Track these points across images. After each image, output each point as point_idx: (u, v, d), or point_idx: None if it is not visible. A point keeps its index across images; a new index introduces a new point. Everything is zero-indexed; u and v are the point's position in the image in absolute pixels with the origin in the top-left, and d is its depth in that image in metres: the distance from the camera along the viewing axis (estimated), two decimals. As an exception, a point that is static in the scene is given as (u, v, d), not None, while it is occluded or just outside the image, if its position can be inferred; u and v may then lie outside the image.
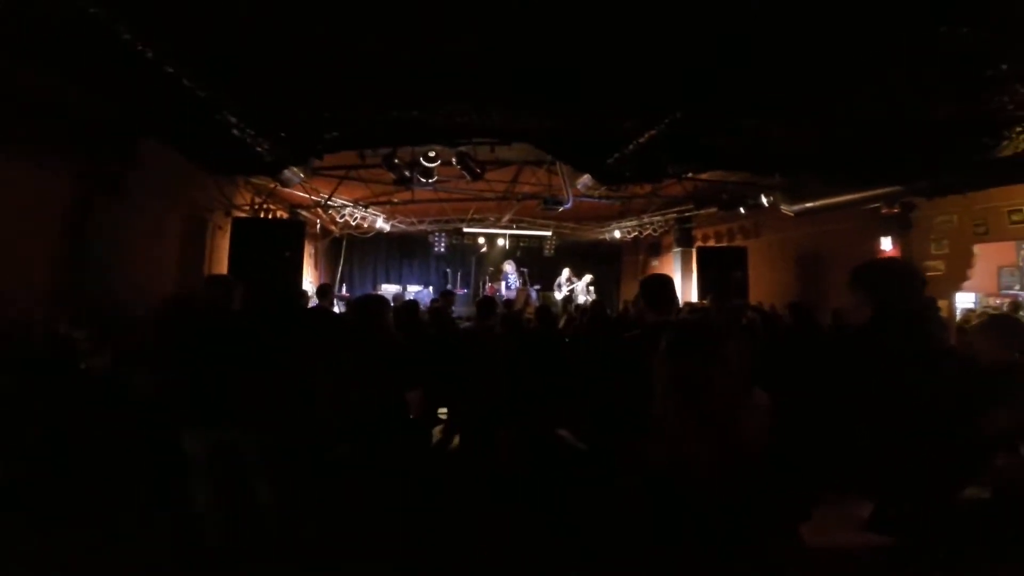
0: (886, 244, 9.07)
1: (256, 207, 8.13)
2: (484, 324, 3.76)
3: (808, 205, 7.73)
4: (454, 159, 5.13)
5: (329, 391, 2.70)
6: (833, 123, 5.18)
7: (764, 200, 7.41)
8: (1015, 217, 7.27)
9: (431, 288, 11.35)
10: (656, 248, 14.23)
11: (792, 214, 8.08)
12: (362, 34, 2.98)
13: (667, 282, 2.35)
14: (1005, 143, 5.01)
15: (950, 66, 3.73)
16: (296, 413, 2.82)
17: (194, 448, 2.59)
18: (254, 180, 7.86)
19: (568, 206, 7.86)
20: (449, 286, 11.66)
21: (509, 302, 8.52)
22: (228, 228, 7.19)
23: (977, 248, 7.81)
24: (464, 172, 5.37)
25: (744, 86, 3.76)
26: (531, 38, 3.23)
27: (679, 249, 12.99)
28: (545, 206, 7.89)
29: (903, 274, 1.75)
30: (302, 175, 5.30)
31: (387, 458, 2.63)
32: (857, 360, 1.60)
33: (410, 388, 2.74)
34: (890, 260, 2.13)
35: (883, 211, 7.83)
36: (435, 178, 5.26)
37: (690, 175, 6.29)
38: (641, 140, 4.37)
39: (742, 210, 8.15)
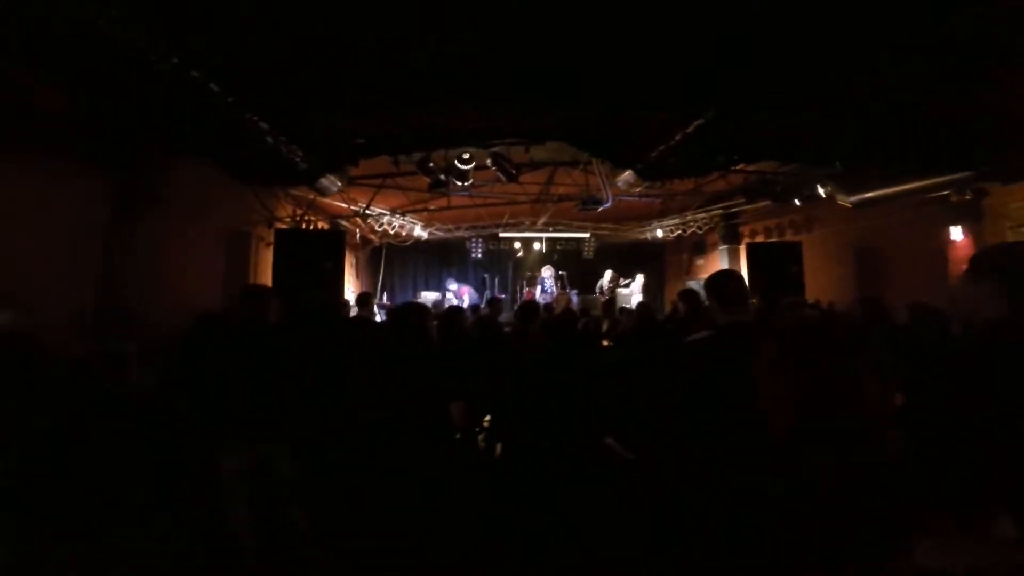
0: (956, 234, 8.38)
1: (297, 219, 8.29)
2: (525, 329, 3.60)
3: (868, 195, 7.19)
4: (488, 161, 5.02)
5: (369, 403, 2.60)
6: (895, 106, 4.80)
7: (821, 191, 6.94)
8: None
9: (469, 289, 11.27)
10: (701, 247, 13.72)
11: (850, 205, 7.54)
12: (387, 35, 2.91)
13: (738, 278, 2.14)
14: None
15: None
16: (333, 427, 2.75)
17: (227, 465, 2.54)
18: (293, 192, 8.02)
19: (607, 205, 7.63)
20: (488, 292, 11.59)
21: (548, 307, 8.33)
22: (270, 241, 7.34)
23: (1062, 235, 7.08)
24: (499, 174, 5.26)
25: (792, 69, 3.49)
26: (562, 30, 3.08)
27: (725, 247, 12.47)
28: (583, 207, 7.68)
29: None
30: (339, 184, 5.32)
31: (428, 471, 2.51)
32: (1004, 360, 1.35)
33: (453, 399, 2.60)
34: (1020, 244, 1.88)
35: (953, 199, 7.20)
36: (471, 181, 5.17)
37: (738, 167, 5.95)
38: (688, 131, 4.12)
39: (796, 202, 7.69)
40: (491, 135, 4.69)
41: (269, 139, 3.83)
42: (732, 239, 12.35)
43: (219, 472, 2.55)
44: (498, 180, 7.46)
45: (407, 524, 2.49)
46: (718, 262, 13.02)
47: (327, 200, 8.34)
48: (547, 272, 11.08)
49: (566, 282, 11.35)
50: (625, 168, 5.40)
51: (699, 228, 11.55)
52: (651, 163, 4.81)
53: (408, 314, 2.73)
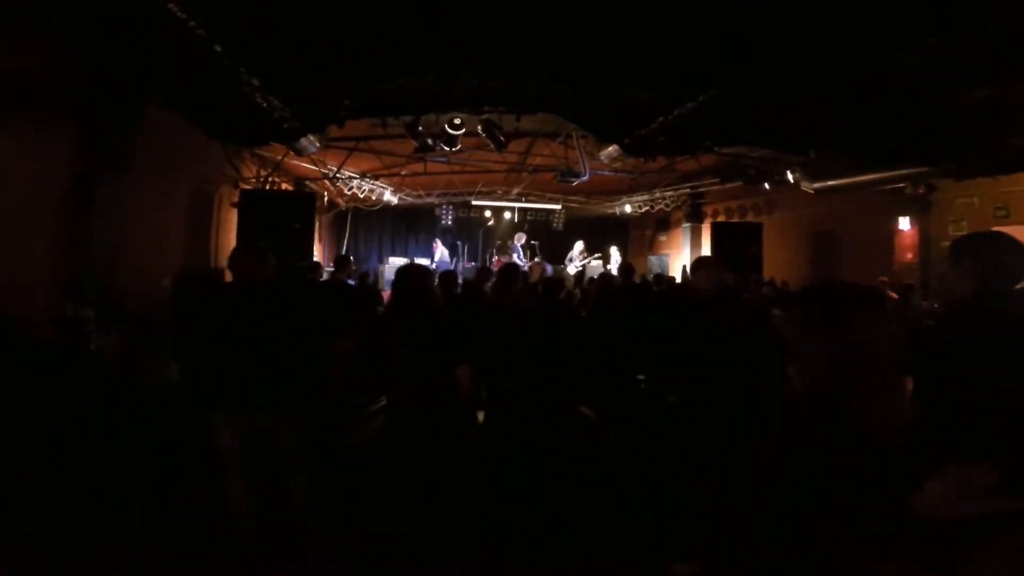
0: (904, 224, 8.98)
1: (262, 180, 7.86)
2: (506, 294, 3.56)
3: (831, 183, 7.54)
4: (480, 127, 4.90)
5: (375, 369, 2.57)
6: (867, 100, 5.01)
7: (790, 176, 7.22)
8: (1039, 200, 7.15)
9: (445, 254, 11.12)
10: (664, 223, 14.06)
11: (812, 191, 7.90)
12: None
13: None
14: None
15: (984, 48, 3.60)
16: (337, 395, 2.69)
17: (225, 438, 2.40)
18: (261, 152, 7.57)
19: (584, 178, 7.65)
20: (458, 260, 11.49)
21: (524, 275, 8.36)
22: (235, 201, 6.94)
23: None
24: (489, 141, 5.15)
25: (783, 60, 3.58)
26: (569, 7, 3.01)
27: (688, 224, 12.84)
28: (561, 179, 7.68)
29: (1012, 248, 1.66)
30: (317, 144, 5.06)
31: (441, 442, 2.50)
32: (970, 330, 1.59)
33: (458, 364, 2.58)
34: (998, 233, 2.13)
35: (908, 192, 7.68)
36: (459, 147, 5.04)
37: (715, 149, 6.08)
38: (682, 112, 4.16)
39: (766, 185, 7.96)
40: (486, 102, 4.56)
41: (256, 95, 3.57)
42: (695, 217, 12.72)
43: (214, 445, 2.45)
44: (478, 148, 7.33)
45: (418, 500, 2.51)
46: (681, 239, 13.42)
47: (295, 161, 7.94)
48: (520, 240, 11.06)
49: (537, 251, 11.37)
50: (610, 143, 5.40)
51: (666, 205, 11.80)
52: (638, 139, 4.84)
53: (414, 275, 2.65)
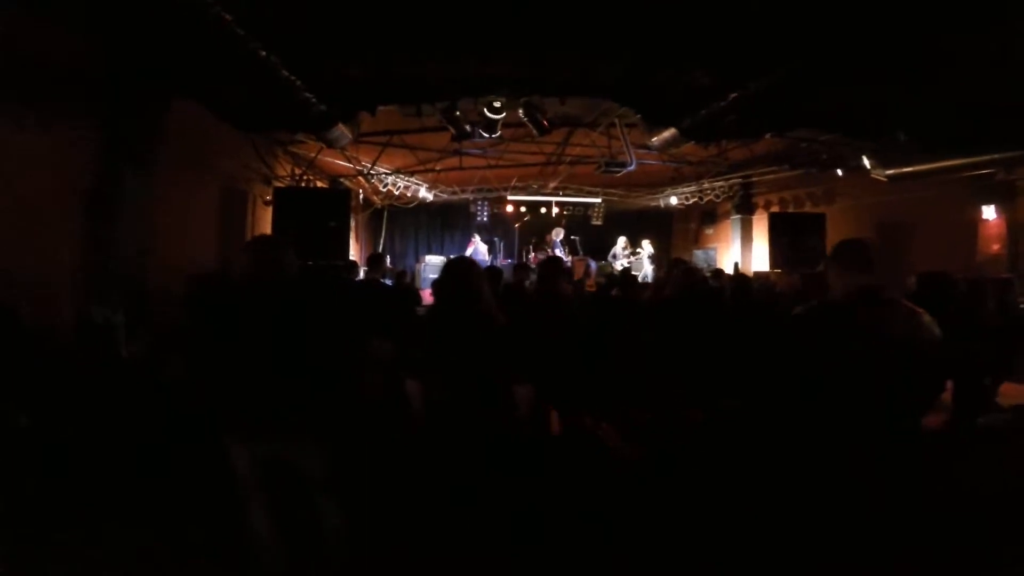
0: (989, 213, 8.08)
1: (296, 178, 7.74)
2: (551, 289, 3.13)
3: (908, 170, 6.80)
4: (521, 111, 4.53)
5: (419, 387, 2.20)
6: (950, 82, 4.40)
7: (866, 162, 6.54)
8: None
9: (482, 250, 10.82)
10: (711, 216, 13.32)
11: (885, 179, 7.16)
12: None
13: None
14: None
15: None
16: (370, 417, 2.37)
17: (241, 466, 2.06)
18: (294, 149, 7.44)
19: (631, 168, 7.17)
20: (496, 256, 11.18)
21: (568, 271, 7.95)
22: (268, 199, 6.81)
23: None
24: (531, 125, 4.77)
25: (855, 34, 3.05)
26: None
27: (738, 216, 12.09)
28: (605, 169, 7.23)
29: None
30: (349, 135, 4.79)
31: (486, 475, 2.14)
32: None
33: (519, 382, 2.19)
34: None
35: (999, 177, 6.87)
36: (498, 133, 4.69)
37: (783, 132, 5.52)
38: (746, 92, 3.67)
39: (839, 172, 7.29)
40: (528, 84, 4.19)
41: (283, 78, 3.29)
42: (746, 209, 11.96)
43: (233, 467, 2.14)
44: (514, 140, 6.95)
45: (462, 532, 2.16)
46: (729, 232, 12.67)
47: (329, 159, 7.79)
48: (558, 236, 10.61)
49: (578, 247, 10.89)
50: (666, 126, 4.92)
51: (716, 196, 11.12)
52: (700, 121, 4.34)
53: (461, 271, 2.26)
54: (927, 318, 1.71)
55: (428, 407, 2.21)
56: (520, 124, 5.48)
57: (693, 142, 5.05)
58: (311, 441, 2.10)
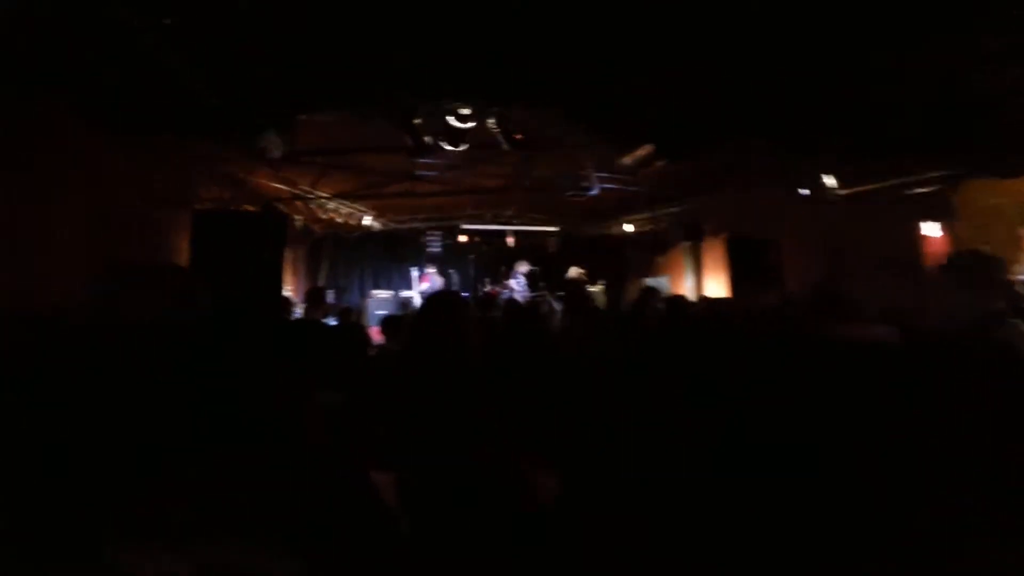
0: (930, 229, 8.39)
1: (224, 203, 6.78)
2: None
3: (860, 189, 6.91)
4: (492, 120, 4.01)
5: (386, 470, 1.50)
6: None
7: (829, 181, 6.54)
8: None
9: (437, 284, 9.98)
10: (662, 244, 13.33)
11: (840, 198, 7.25)
12: None
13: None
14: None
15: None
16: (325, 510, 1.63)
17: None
18: (222, 169, 6.53)
19: (595, 192, 6.84)
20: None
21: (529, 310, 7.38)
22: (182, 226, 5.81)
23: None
24: (502, 139, 4.26)
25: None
26: None
27: (688, 243, 12.11)
28: (573, 194, 6.85)
29: None
30: (281, 147, 4.04)
31: None
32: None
33: (537, 463, 1.51)
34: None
35: (948, 193, 7.12)
36: (465, 146, 4.14)
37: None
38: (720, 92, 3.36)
39: (806, 192, 7.29)
40: (493, 92, 3.70)
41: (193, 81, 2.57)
42: (694, 235, 12.01)
43: None
44: (468, 165, 6.44)
45: None
46: (681, 259, 12.68)
47: (262, 180, 6.93)
48: (523, 268, 10.05)
49: (538, 278, 10.37)
50: (637, 144, 4.59)
51: (665, 223, 11.11)
52: (680, 135, 4.02)
53: (446, 308, 1.61)
54: None
55: (407, 504, 1.50)
56: (479, 145, 5.00)
57: (666, 160, 4.76)
58: (253, 548, 1.38)
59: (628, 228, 11.50)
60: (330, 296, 10.18)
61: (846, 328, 2.13)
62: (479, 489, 1.49)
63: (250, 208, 7.03)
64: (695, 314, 3.53)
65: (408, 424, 1.61)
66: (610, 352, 2.31)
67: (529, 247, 11.39)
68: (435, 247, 10.53)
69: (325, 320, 5.03)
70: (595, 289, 10.72)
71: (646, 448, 1.75)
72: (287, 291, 8.22)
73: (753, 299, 7.15)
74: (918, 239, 8.28)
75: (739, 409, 1.72)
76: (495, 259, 11.39)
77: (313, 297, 4.62)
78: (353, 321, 6.48)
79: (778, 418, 1.61)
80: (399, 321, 4.44)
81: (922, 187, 7.04)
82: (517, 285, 9.86)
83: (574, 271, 11.07)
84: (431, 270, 10.07)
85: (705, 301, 7.92)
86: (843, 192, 7.09)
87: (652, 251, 14.18)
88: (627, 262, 14.00)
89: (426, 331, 1.60)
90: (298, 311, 6.59)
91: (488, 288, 10.63)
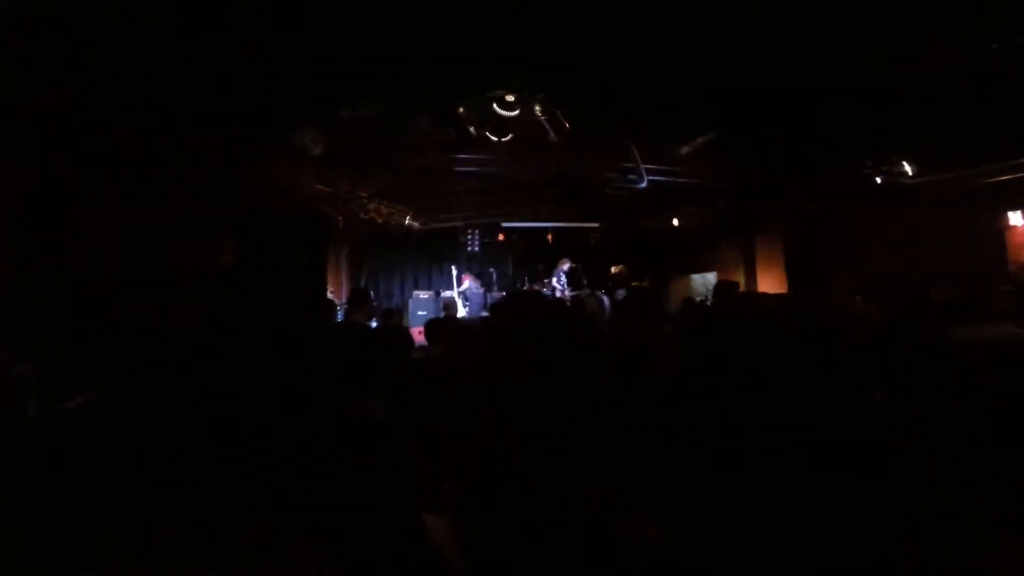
0: (1015, 219, 7.61)
1: (266, 204, 6.80)
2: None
3: (940, 176, 6.28)
4: (538, 107, 3.78)
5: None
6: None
7: (908, 168, 5.96)
8: None
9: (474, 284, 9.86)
10: (711, 239, 12.74)
11: (917, 184, 6.62)
12: None
13: None
14: None
15: None
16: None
17: None
18: (263, 171, 6.55)
19: (643, 186, 6.49)
20: (491, 290, 10.30)
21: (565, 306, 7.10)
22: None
23: None
24: (548, 127, 4.02)
25: None
26: None
27: (738, 237, 11.51)
28: (616, 187, 6.53)
29: None
30: (320, 145, 3.92)
31: None
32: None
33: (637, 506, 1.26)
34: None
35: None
36: (509, 136, 3.93)
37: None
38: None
39: (878, 180, 6.70)
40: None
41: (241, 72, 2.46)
42: (752, 230, 11.39)
43: None
44: (515, 154, 6.21)
45: None
46: (730, 254, 12.08)
47: (302, 182, 6.92)
48: (565, 266, 9.74)
49: (581, 275, 10.01)
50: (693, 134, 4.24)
51: (716, 217, 10.59)
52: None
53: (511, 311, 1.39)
54: None
55: (464, 544, 1.29)
56: (523, 137, 4.76)
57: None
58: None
59: (674, 222, 11.02)
60: (372, 297, 10.21)
61: (972, 330, 1.81)
62: (550, 531, 1.26)
63: (292, 209, 7.04)
64: (788, 316, 3.13)
65: (464, 448, 1.39)
66: (698, 363, 2.00)
67: (569, 243, 11.08)
68: (474, 246, 10.37)
69: (368, 322, 4.91)
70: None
71: (770, 481, 1.45)
72: (330, 292, 8.23)
73: (825, 298, 6.61)
74: (1004, 229, 7.53)
75: (886, 428, 1.43)
76: (534, 256, 11.14)
77: (357, 299, 4.50)
78: (395, 323, 6.38)
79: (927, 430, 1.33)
80: (441, 324, 4.26)
81: (1008, 174, 6.33)
82: (558, 283, 9.56)
83: (616, 268, 10.71)
84: (467, 273, 9.94)
85: (774, 299, 7.39)
86: (921, 180, 6.47)
87: (699, 246, 13.61)
88: (671, 258, 13.47)
89: (498, 343, 1.39)
90: (341, 313, 6.53)
91: (528, 286, 10.41)
